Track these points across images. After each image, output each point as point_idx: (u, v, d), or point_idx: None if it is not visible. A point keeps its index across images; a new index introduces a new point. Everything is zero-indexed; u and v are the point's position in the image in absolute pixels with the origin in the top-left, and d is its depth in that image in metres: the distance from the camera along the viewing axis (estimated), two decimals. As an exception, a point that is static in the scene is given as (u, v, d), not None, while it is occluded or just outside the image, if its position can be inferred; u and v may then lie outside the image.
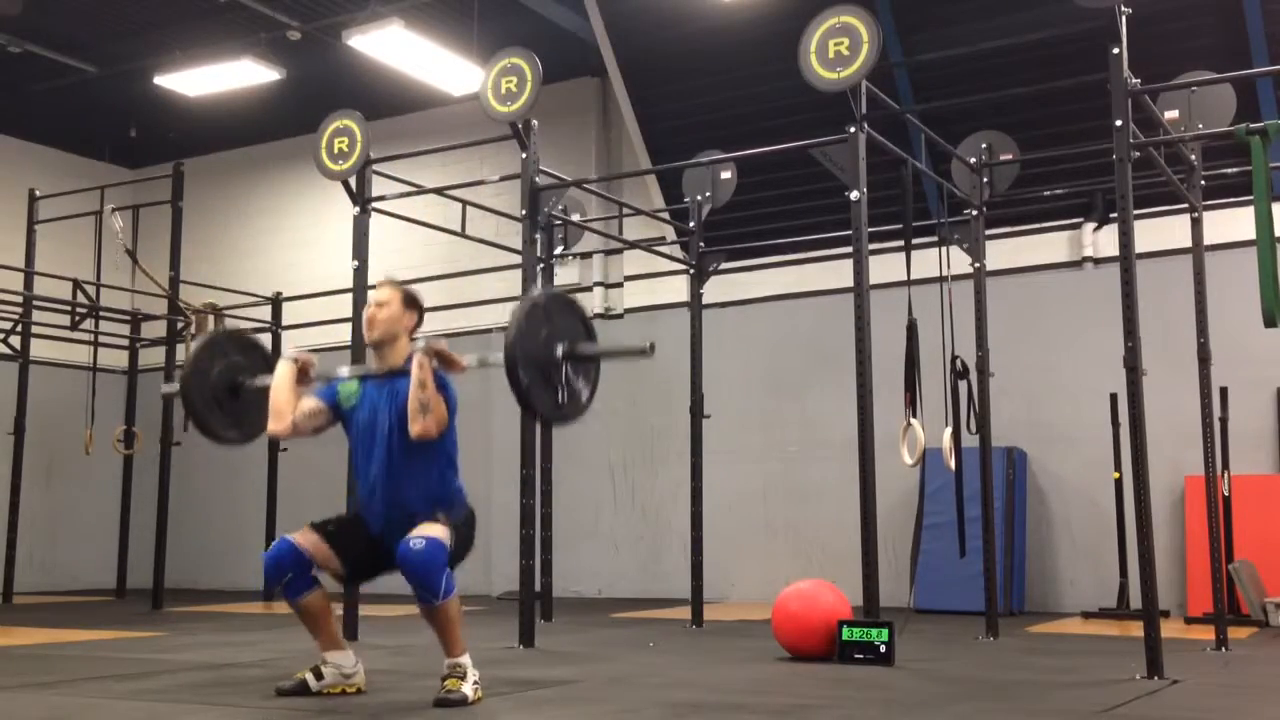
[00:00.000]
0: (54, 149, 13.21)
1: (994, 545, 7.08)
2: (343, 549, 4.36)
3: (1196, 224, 6.37)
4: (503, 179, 7.66)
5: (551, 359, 4.14)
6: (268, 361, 4.92)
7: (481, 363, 4.27)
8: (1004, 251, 9.17)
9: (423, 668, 4.76)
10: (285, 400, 4.45)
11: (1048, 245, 9.68)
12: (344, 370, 4.60)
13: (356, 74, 11.08)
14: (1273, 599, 7.79)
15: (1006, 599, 8.52)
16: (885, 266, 7.59)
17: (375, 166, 7.53)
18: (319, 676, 4.38)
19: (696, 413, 8.03)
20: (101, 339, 11.37)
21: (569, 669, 5.42)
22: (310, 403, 4.49)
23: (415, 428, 4.21)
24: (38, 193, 11.04)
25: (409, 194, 7.92)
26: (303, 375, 4.53)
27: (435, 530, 4.16)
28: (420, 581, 4.08)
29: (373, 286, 7.57)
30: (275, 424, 4.46)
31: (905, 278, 6.29)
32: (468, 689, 4.14)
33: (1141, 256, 5.33)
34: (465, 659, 4.21)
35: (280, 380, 4.49)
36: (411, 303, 4.52)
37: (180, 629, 7.69)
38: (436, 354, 4.27)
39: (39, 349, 11.17)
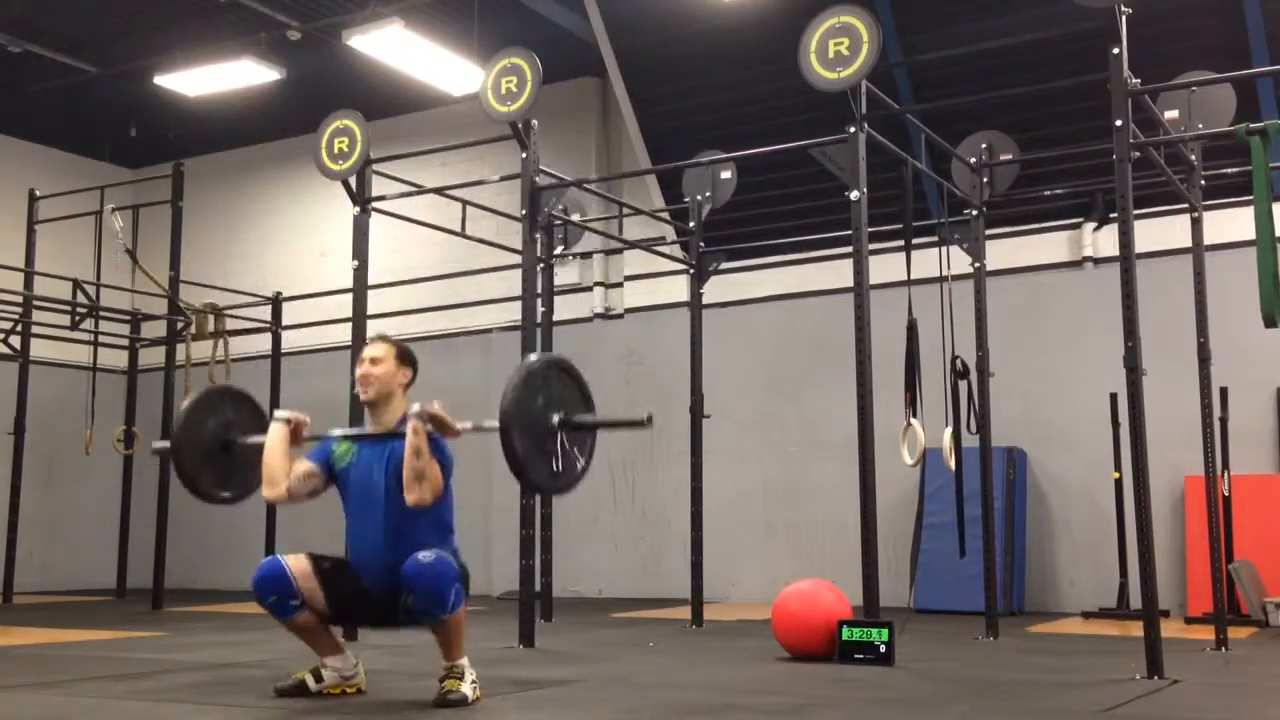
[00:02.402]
0: (54, 149, 13.20)
1: (994, 545, 7.08)
2: (331, 590, 4.28)
3: (1196, 224, 6.37)
4: (503, 179, 7.66)
5: (547, 428, 4.06)
6: (260, 416, 4.85)
7: (477, 428, 4.21)
8: (1004, 251, 9.17)
9: (423, 668, 4.76)
10: (279, 466, 4.39)
11: (1048, 245, 9.68)
12: (337, 431, 4.53)
13: (356, 74, 11.08)
14: (1273, 599, 7.79)
15: (1006, 599, 8.52)
16: (885, 266, 7.59)
17: (375, 166, 7.53)
18: (318, 678, 4.37)
19: (696, 413, 8.03)
20: (101, 339, 11.37)
21: (569, 669, 5.42)
22: (303, 466, 4.43)
23: (411, 496, 4.14)
24: (38, 193, 11.04)
25: (409, 194, 7.92)
26: (295, 436, 4.47)
27: (442, 553, 4.13)
28: (431, 594, 4.03)
29: (373, 287, 7.66)
30: (270, 491, 4.40)
31: (905, 278, 6.29)
32: (467, 689, 4.14)
33: (1141, 256, 5.32)
34: (464, 661, 4.20)
35: (273, 443, 4.42)
36: (405, 358, 4.45)
37: (180, 629, 7.70)
38: (431, 418, 4.18)
39: (39, 349, 11.17)
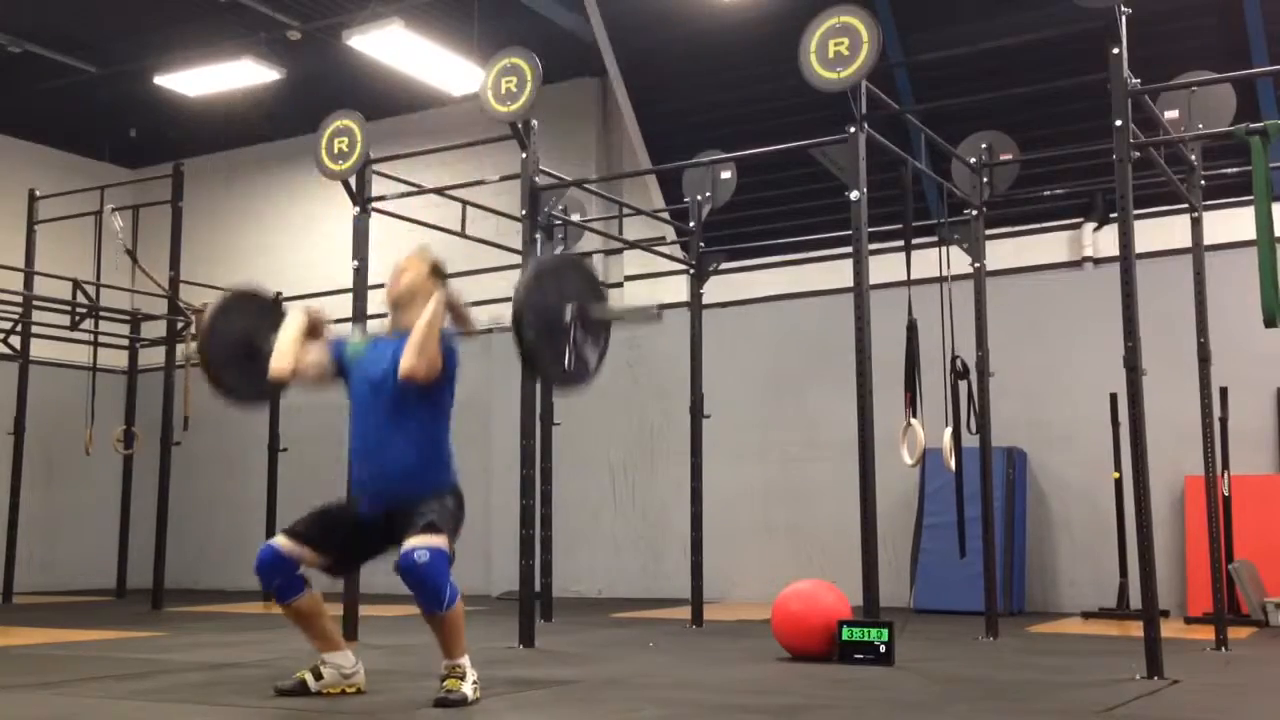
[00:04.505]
0: (54, 149, 13.21)
1: (994, 545, 7.07)
2: (320, 543, 4.33)
3: (1196, 224, 6.37)
4: (503, 179, 7.65)
5: (560, 320, 4.09)
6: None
7: (492, 321, 4.24)
8: (1004, 251, 9.17)
9: (423, 668, 4.76)
10: (290, 346, 4.47)
11: (1048, 245, 9.68)
12: (355, 334, 4.61)
13: (356, 74, 11.08)
14: (1273, 599, 7.79)
15: (1006, 599, 8.52)
16: (885, 266, 7.58)
17: (375, 166, 7.53)
18: (318, 677, 4.37)
19: (696, 413, 8.03)
20: (101, 339, 11.37)
21: (569, 669, 5.42)
22: (316, 352, 4.51)
23: (405, 362, 4.19)
24: (38, 193, 11.05)
25: (409, 194, 7.92)
26: (314, 330, 4.56)
27: (435, 539, 4.11)
28: (424, 591, 4.06)
29: (373, 287, 7.65)
30: (277, 362, 4.47)
31: (905, 278, 6.28)
32: (467, 689, 4.14)
33: (1141, 256, 5.32)
34: (465, 660, 4.20)
35: (289, 328, 4.51)
36: (436, 271, 4.52)
37: (180, 629, 7.70)
38: (452, 305, 4.25)
39: (39, 349, 11.17)
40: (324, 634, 4.40)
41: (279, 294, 11.46)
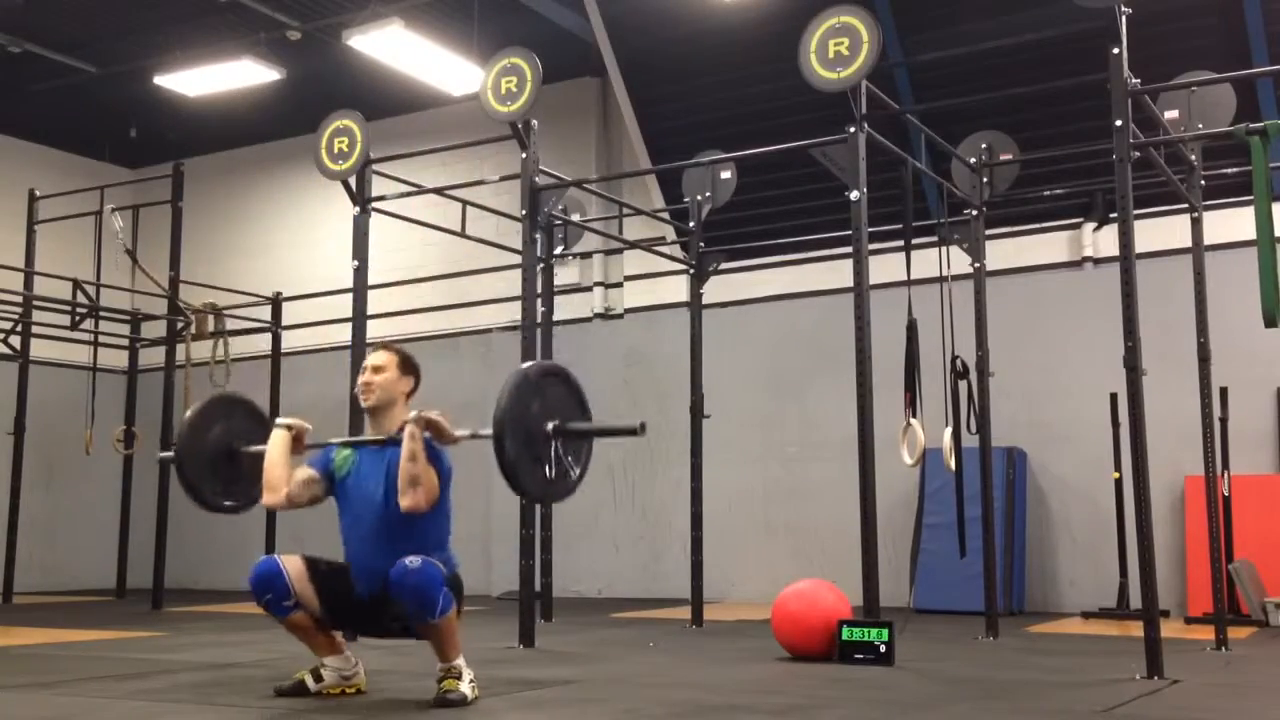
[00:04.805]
0: (54, 149, 13.20)
1: (994, 545, 7.08)
2: (325, 593, 4.29)
3: (1196, 224, 6.37)
4: (503, 179, 7.66)
5: (541, 435, 4.04)
6: (263, 423, 4.85)
7: (474, 436, 4.21)
8: (1004, 251, 9.17)
9: (423, 668, 4.75)
10: (279, 473, 4.39)
11: (1048, 245, 9.68)
12: (338, 440, 4.53)
13: (356, 74, 11.08)
14: (1273, 599, 7.79)
15: (1006, 599, 8.52)
16: (885, 266, 7.59)
17: (375, 166, 7.53)
18: (318, 678, 4.36)
19: (696, 413, 8.03)
20: (101, 339, 11.37)
21: (569, 669, 5.42)
22: (304, 472, 4.43)
23: (405, 501, 4.13)
24: (38, 193, 11.04)
25: (409, 194, 7.92)
26: (297, 443, 4.49)
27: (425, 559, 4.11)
28: (418, 598, 4.03)
29: (373, 287, 7.66)
30: (270, 497, 4.42)
31: (905, 278, 6.29)
32: (466, 688, 4.14)
33: (1141, 256, 5.32)
34: (460, 660, 4.20)
35: (274, 450, 4.43)
36: (408, 367, 4.44)
37: (180, 629, 7.70)
38: (428, 424, 4.18)
39: (39, 349, 11.17)
40: (321, 641, 4.39)
41: (279, 293, 11.60)
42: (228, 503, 4.83)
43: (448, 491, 4.31)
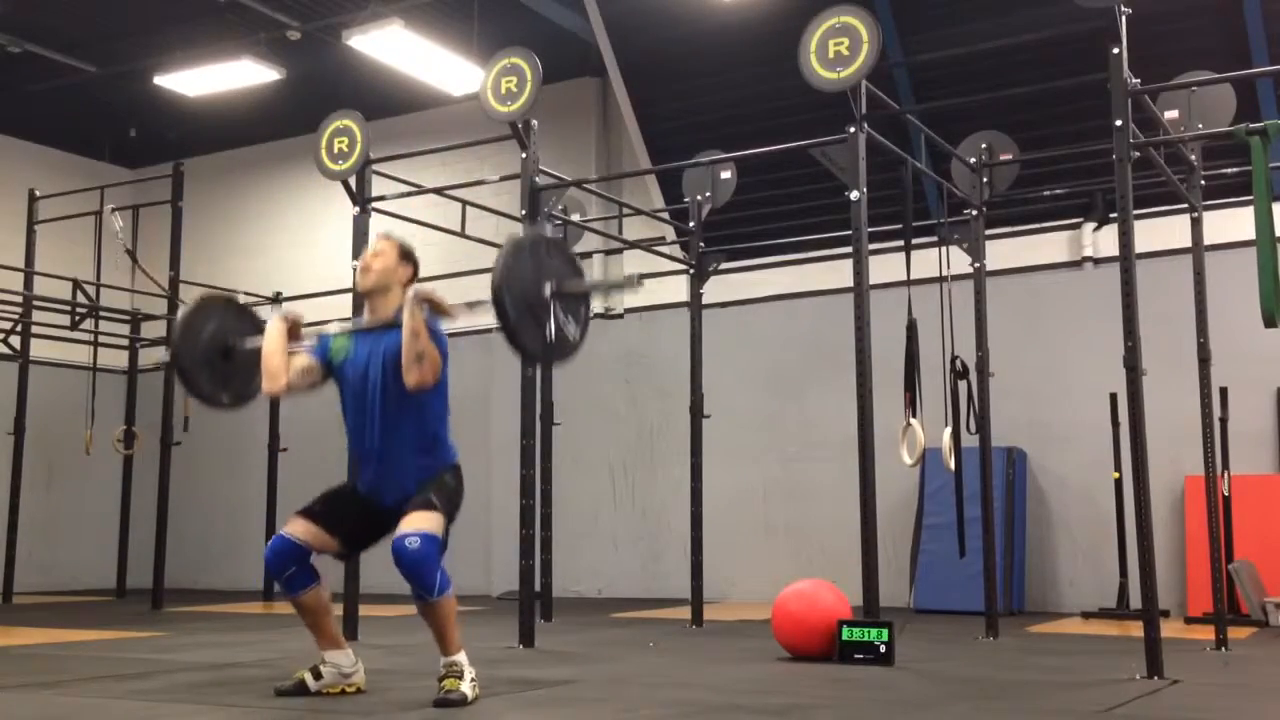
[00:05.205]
0: (54, 149, 13.20)
1: (994, 545, 7.07)
2: (333, 527, 4.36)
3: (1196, 224, 6.37)
4: (503, 179, 7.66)
5: (539, 298, 4.15)
6: (256, 323, 4.91)
7: (470, 306, 4.27)
8: (1004, 251, 9.17)
9: (422, 668, 4.76)
10: (278, 361, 4.46)
11: (1048, 245, 9.68)
12: (334, 327, 4.60)
13: (356, 74, 11.08)
14: (1273, 599, 7.79)
15: (1006, 599, 8.51)
16: (885, 266, 7.59)
17: (375, 166, 7.53)
18: (318, 676, 4.38)
19: (696, 413, 8.03)
20: (101, 339, 11.37)
21: (569, 669, 5.42)
22: (303, 360, 4.49)
23: (411, 378, 4.20)
24: (38, 193, 11.04)
25: (409, 194, 7.92)
26: (293, 333, 4.55)
27: (427, 522, 4.14)
28: (415, 579, 4.10)
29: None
30: (270, 384, 4.47)
31: (905, 278, 6.29)
32: (466, 688, 4.14)
33: (1141, 256, 5.33)
34: (461, 656, 4.21)
35: (272, 340, 4.49)
36: (407, 256, 4.52)
37: (180, 629, 7.69)
38: (426, 301, 4.26)
39: (39, 349, 11.17)
40: (328, 631, 4.41)
41: (279, 294, 11.61)
42: (226, 397, 4.88)
43: (446, 372, 4.38)
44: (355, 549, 4.57)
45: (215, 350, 4.80)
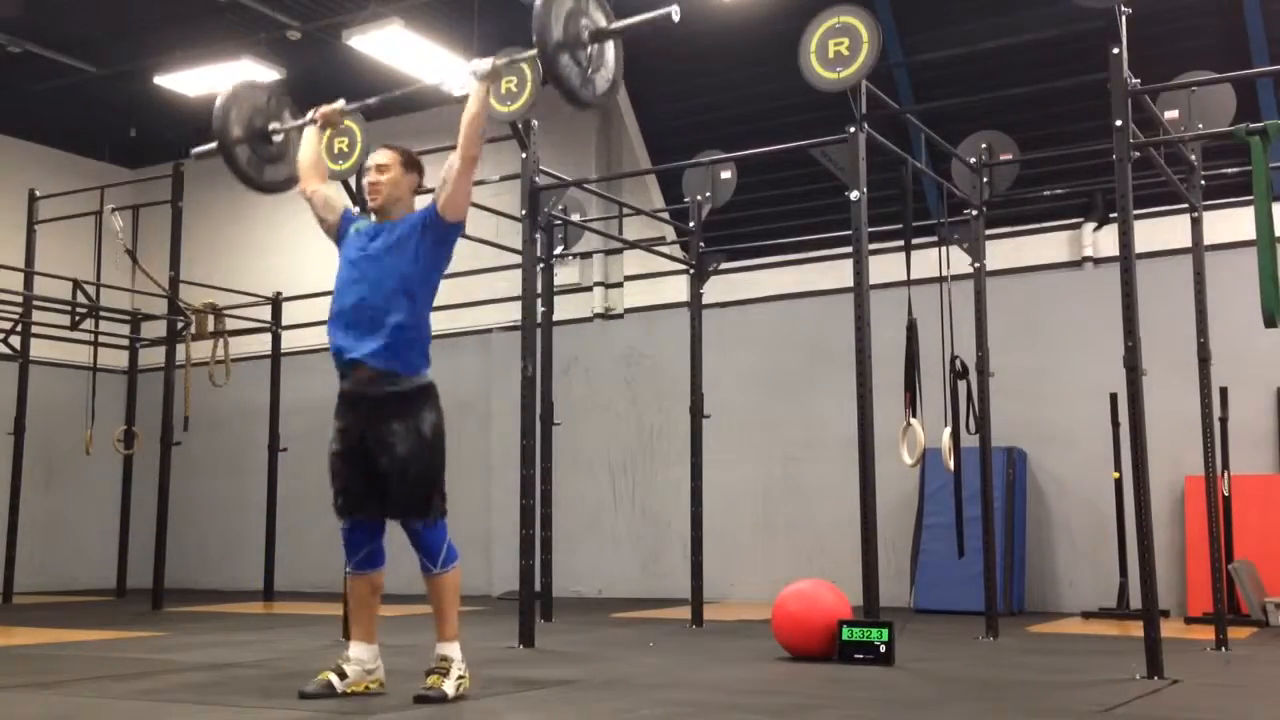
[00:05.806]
0: (54, 149, 13.20)
1: (994, 545, 7.07)
2: (362, 500, 4.34)
3: (1196, 224, 6.37)
4: (503, 179, 7.66)
5: (576, 34, 4.34)
6: (293, 110, 5.19)
7: (511, 61, 4.54)
8: (1004, 251, 9.17)
9: (422, 667, 4.75)
10: (310, 164, 4.68)
11: (1048, 245, 9.68)
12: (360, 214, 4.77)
13: (356, 74, 11.06)
14: (1273, 599, 7.79)
15: (1006, 599, 8.52)
16: (885, 266, 7.59)
17: (375, 166, 7.52)
18: (342, 676, 4.33)
19: (696, 413, 8.03)
20: (101, 339, 11.37)
21: (569, 669, 5.42)
22: (335, 196, 4.66)
23: (467, 150, 4.38)
24: (38, 193, 11.05)
25: (408, 194, 7.90)
26: (330, 122, 4.82)
27: (430, 515, 4.23)
28: (425, 550, 4.27)
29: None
30: (307, 180, 4.68)
31: (905, 278, 6.29)
32: (449, 686, 4.16)
33: (1141, 256, 5.33)
34: (454, 649, 4.22)
35: (307, 142, 4.73)
36: (411, 163, 4.57)
37: (180, 629, 7.69)
38: (489, 77, 4.43)
39: (39, 349, 11.17)
40: (369, 622, 4.42)
41: (279, 294, 11.59)
42: (268, 179, 5.09)
43: (445, 265, 4.50)
44: (379, 506, 4.42)
45: (255, 133, 5.02)
